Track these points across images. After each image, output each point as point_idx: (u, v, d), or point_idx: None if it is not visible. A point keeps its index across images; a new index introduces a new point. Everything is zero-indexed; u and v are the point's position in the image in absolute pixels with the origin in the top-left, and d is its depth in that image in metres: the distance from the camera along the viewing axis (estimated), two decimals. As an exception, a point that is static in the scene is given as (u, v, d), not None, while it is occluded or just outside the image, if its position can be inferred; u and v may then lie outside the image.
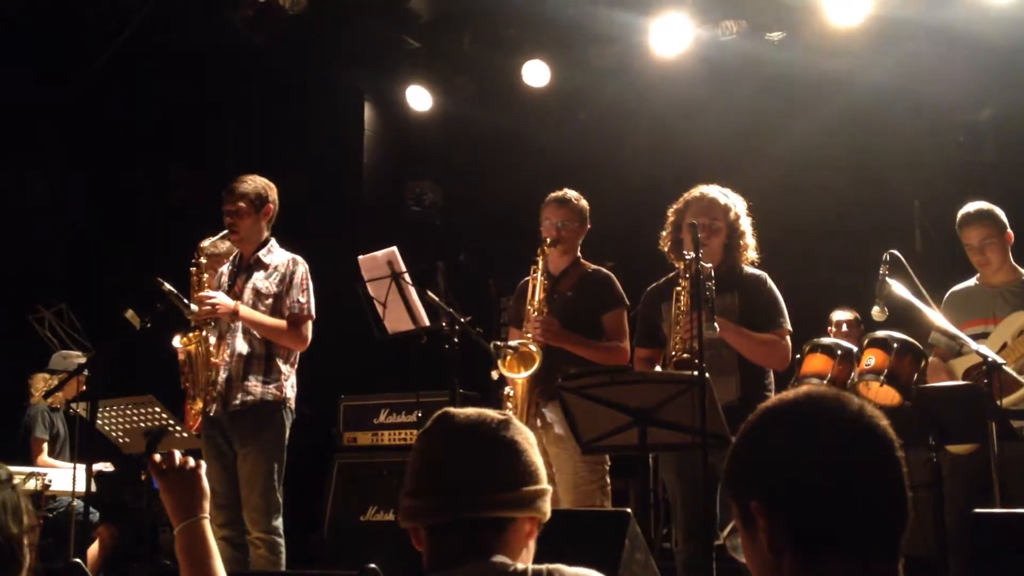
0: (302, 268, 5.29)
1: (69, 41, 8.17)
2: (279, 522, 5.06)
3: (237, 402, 5.08)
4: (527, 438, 1.92)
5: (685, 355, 4.38)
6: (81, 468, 5.48)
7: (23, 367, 7.68)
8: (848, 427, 1.52)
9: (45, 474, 6.72)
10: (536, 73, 8.22)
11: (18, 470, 6.45)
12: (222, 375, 5.12)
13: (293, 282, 5.23)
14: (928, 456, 4.15)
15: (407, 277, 5.53)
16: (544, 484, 1.91)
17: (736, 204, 4.79)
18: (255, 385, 5.10)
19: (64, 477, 6.68)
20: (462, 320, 5.29)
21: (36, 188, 8.68)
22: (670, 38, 7.59)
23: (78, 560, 3.89)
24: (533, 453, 1.92)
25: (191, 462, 2.35)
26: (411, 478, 1.90)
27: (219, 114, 8.72)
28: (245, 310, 5.11)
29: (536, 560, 1.89)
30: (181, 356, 5.31)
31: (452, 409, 1.94)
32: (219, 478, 5.00)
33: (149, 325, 5.17)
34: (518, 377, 4.91)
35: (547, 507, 1.91)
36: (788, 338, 4.68)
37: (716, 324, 4.27)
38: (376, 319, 5.64)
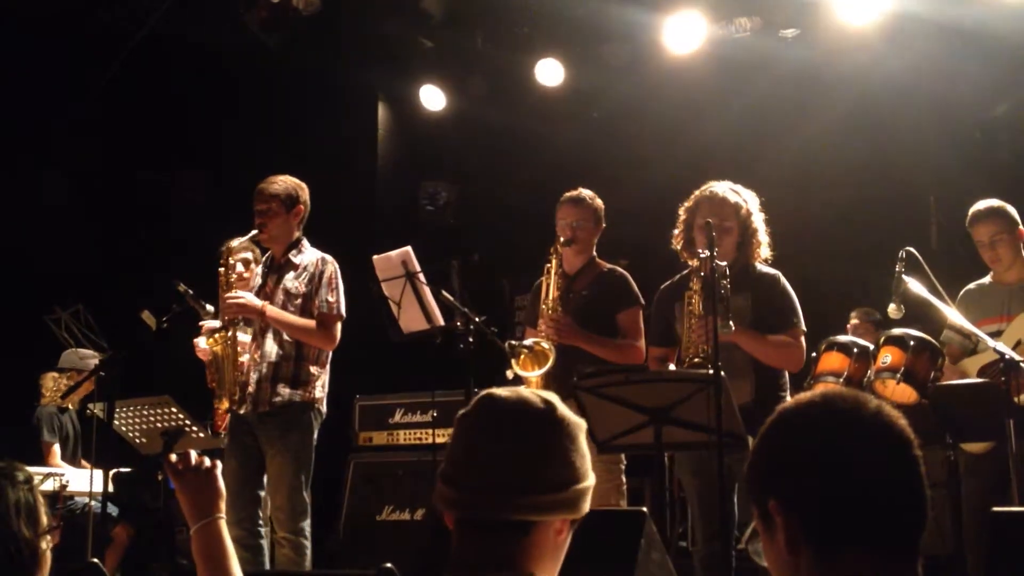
0: (331, 267, 5.27)
1: (86, 42, 8.21)
2: (306, 524, 5.05)
3: (267, 404, 5.09)
4: (577, 424, 1.83)
5: (697, 359, 4.37)
6: (98, 469, 5.50)
7: (40, 368, 7.71)
8: (865, 427, 1.52)
9: (63, 475, 6.75)
10: (550, 72, 8.21)
11: (36, 470, 6.46)
12: (252, 375, 5.13)
13: (322, 281, 5.21)
14: (945, 454, 4.13)
15: (422, 277, 5.54)
16: (588, 480, 1.82)
17: (748, 201, 4.75)
18: (284, 387, 5.10)
19: (81, 478, 6.71)
20: (477, 320, 5.30)
21: (53, 189, 8.72)
22: (684, 35, 7.58)
23: (96, 560, 3.91)
24: (580, 442, 1.82)
25: (207, 462, 2.36)
26: (448, 462, 1.82)
27: (234, 115, 8.74)
28: (272, 310, 5.11)
29: None
30: (208, 357, 5.32)
31: (496, 391, 1.85)
32: (236, 477, 5.01)
33: (165, 326, 5.19)
34: (532, 376, 4.91)
35: (587, 505, 1.83)
36: (803, 339, 4.64)
37: (731, 324, 4.26)
38: (391, 319, 5.65)
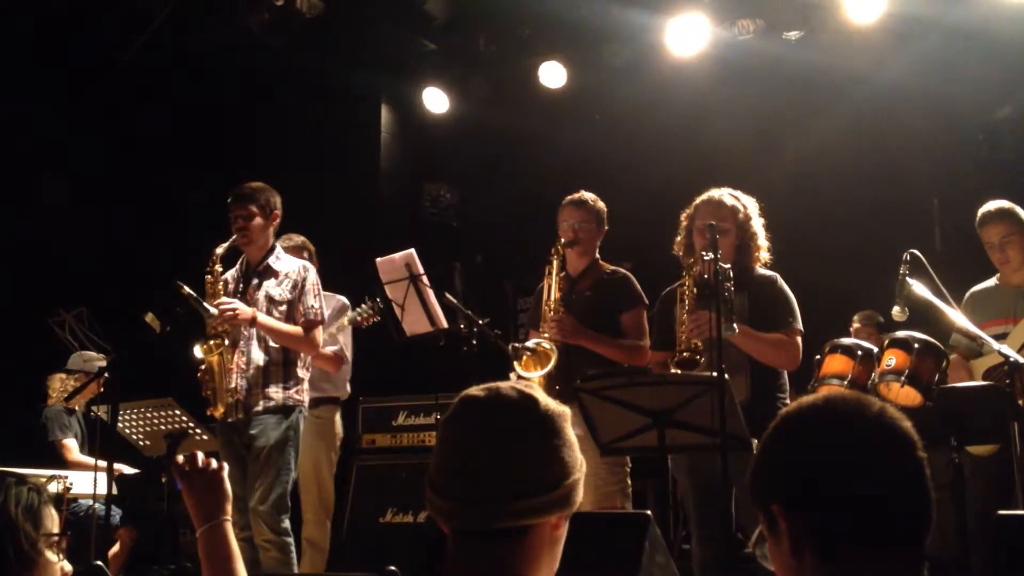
0: (312, 274, 5.34)
1: (89, 43, 8.21)
2: (287, 523, 5.08)
3: (259, 408, 5.10)
4: (560, 415, 1.79)
5: (685, 354, 4.38)
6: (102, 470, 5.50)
7: (43, 371, 7.71)
8: (868, 429, 1.52)
9: (66, 476, 6.74)
10: (552, 74, 8.22)
11: (39, 473, 6.47)
12: (239, 382, 5.14)
13: (305, 288, 5.26)
14: (950, 457, 4.12)
15: (425, 279, 5.54)
16: (577, 473, 1.78)
17: (747, 205, 4.78)
18: (276, 391, 5.13)
19: (85, 479, 6.71)
20: (480, 321, 5.30)
21: (57, 191, 8.73)
22: (687, 37, 7.58)
23: (100, 563, 3.92)
24: (567, 433, 1.78)
25: (214, 464, 2.35)
26: (436, 471, 1.78)
27: (237, 117, 8.75)
28: (263, 317, 5.13)
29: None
30: (203, 366, 5.32)
31: (475, 392, 1.81)
32: (239, 482, 5.02)
33: (169, 328, 5.19)
34: (534, 376, 4.91)
35: (580, 496, 1.79)
36: (798, 338, 4.64)
37: (735, 326, 4.26)
38: (394, 321, 5.65)
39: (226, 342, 5.13)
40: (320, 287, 5.36)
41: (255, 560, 4.93)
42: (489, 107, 8.80)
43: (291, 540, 5.08)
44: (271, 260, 5.32)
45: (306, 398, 5.26)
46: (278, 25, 7.61)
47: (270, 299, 5.24)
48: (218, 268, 5.26)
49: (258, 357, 5.17)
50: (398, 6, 8.23)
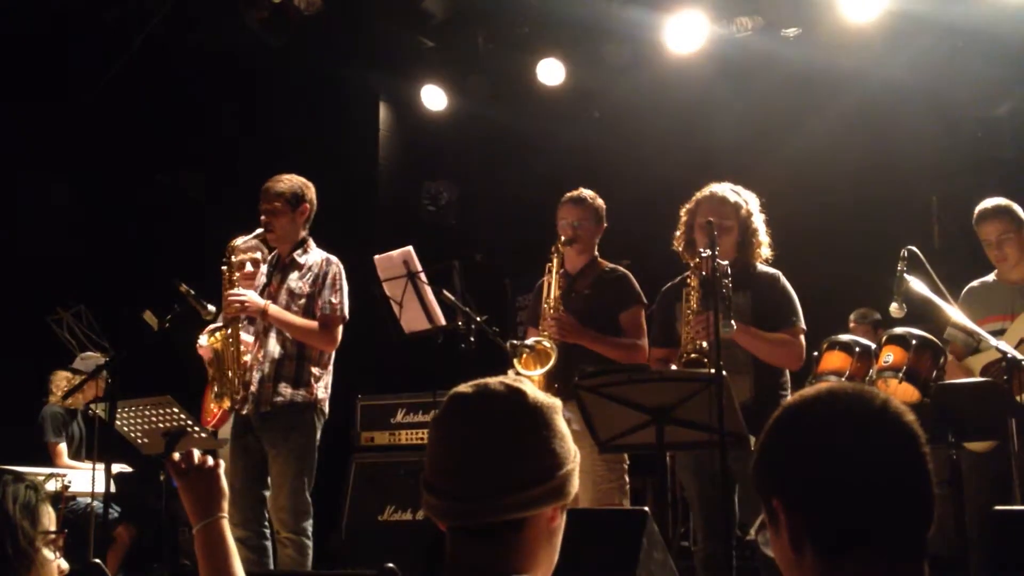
0: (336, 268, 5.25)
1: (88, 42, 8.20)
2: (308, 524, 5.05)
3: (268, 404, 5.07)
4: (550, 406, 1.79)
5: (694, 355, 4.38)
6: (100, 469, 5.50)
7: (42, 368, 7.71)
8: (870, 422, 1.50)
9: (64, 475, 6.75)
10: (551, 71, 8.21)
11: (38, 471, 6.47)
12: (255, 375, 5.12)
13: (326, 282, 5.19)
14: (948, 453, 4.13)
15: (423, 277, 5.54)
16: (570, 463, 1.78)
17: (748, 201, 4.76)
18: (286, 387, 5.08)
19: (83, 478, 6.71)
20: (478, 319, 5.29)
21: (56, 190, 8.72)
22: (685, 35, 7.58)
23: (98, 561, 3.91)
24: (557, 424, 1.79)
25: (210, 461, 2.35)
26: (429, 470, 1.78)
27: (235, 115, 8.74)
28: (275, 309, 5.10)
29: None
30: (208, 355, 5.30)
31: (464, 390, 1.81)
32: (242, 477, 5.01)
33: (167, 326, 5.18)
34: (534, 375, 4.91)
35: (575, 487, 1.80)
36: (802, 337, 4.64)
37: (733, 323, 4.26)
38: (392, 319, 5.64)
39: (230, 332, 5.12)
40: (343, 282, 5.27)
41: (248, 560, 4.91)
42: (488, 105, 8.79)
43: (310, 542, 5.05)
44: (297, 254, 5.28)
45: (321, 394, 5.17)
46: (276, 23, 7.60)
47: (290, 292, 5.19)
48: (234, 259, 5.24)
49: (273, 350, 5.12)
50: (396, 3, 8.22)
